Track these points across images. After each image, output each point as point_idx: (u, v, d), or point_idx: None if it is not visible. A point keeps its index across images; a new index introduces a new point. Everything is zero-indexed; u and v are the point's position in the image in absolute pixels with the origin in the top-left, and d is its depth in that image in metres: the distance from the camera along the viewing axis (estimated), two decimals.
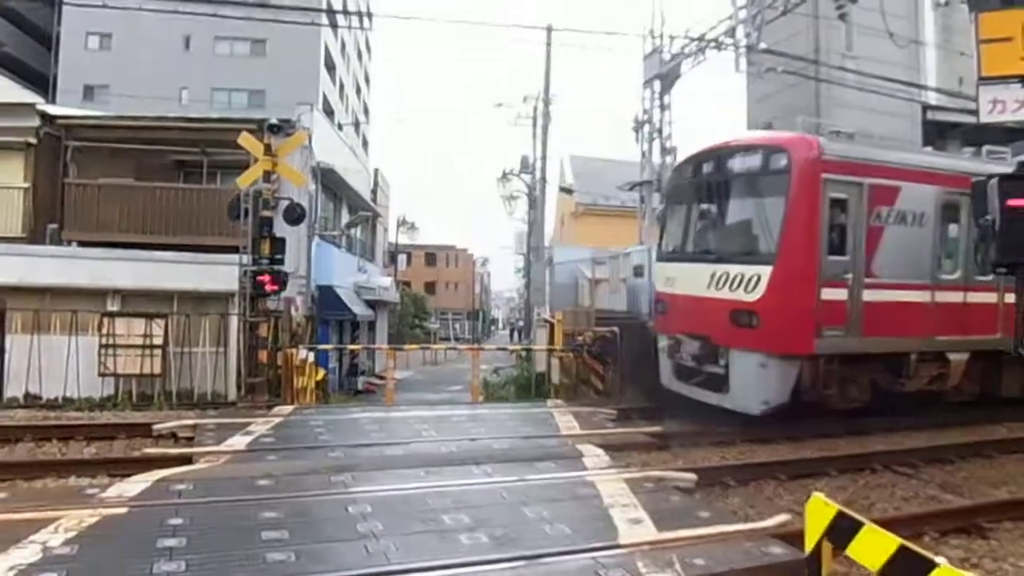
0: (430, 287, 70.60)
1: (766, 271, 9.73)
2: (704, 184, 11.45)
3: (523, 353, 19.51)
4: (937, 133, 20.37)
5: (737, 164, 10.75)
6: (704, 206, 11.62)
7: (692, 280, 11.06)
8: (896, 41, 14.83)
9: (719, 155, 11.13)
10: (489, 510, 5.80)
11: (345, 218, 23.55)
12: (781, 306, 9.67)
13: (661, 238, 12.55)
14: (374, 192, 30.44)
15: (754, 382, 9.96)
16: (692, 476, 7.04)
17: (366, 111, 60.87)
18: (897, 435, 10.68)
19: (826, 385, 10.22)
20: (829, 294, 9.76)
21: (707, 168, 11.33)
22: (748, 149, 10.77)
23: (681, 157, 14.38)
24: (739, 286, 10.02)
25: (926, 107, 20.85)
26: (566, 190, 31.84)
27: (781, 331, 9.73)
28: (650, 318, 14.58)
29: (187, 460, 7.88)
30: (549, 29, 20.26)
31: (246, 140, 13.09)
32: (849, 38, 19.81)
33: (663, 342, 11.85)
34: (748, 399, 10.06)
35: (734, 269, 10.17)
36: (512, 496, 6.21)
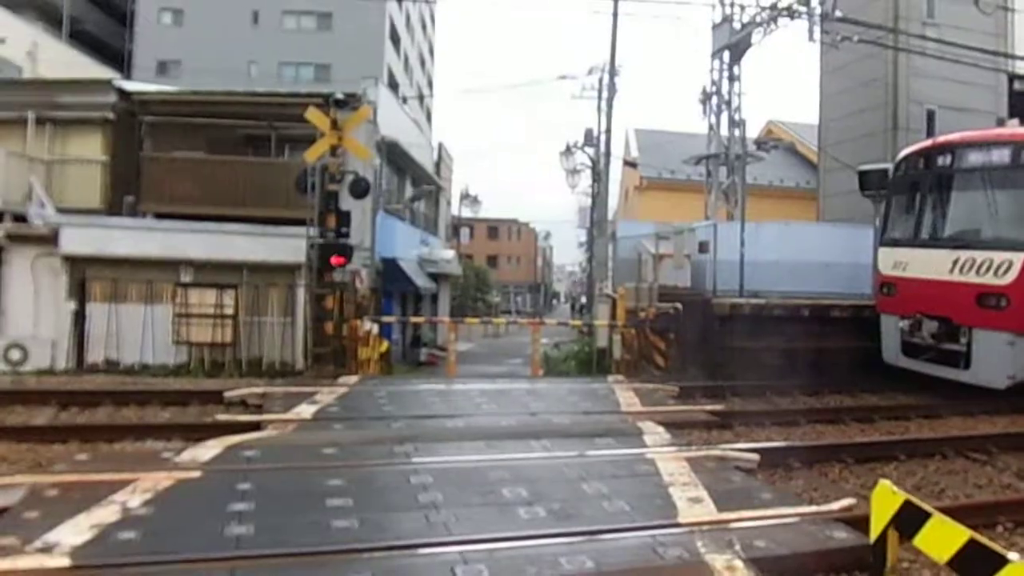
0: (492, 260, 70.83)
1: (1018, 257, 10.33)
2: (940, 176, 12.01)
3: (584, 328, 19.47)
4: None
5: (981, 158, 11.32)
6: (941, 196, 12.14)
7: (929, 265, 11.72)
8: (982, 7, 14.08)
9: (955, 149, 11.70)
10: (548, 484, 5.82)
11: (409, 191, 23.78)
12: None
13: (884, 225, 13.17)
14: (437, 165, 30.65)
15: (1001, 359, 10.58)
16: (754, 456, 6.91)
17: (430, 84, 61.07)
18: (972, 420, 10.36)
19: None
20: None
21: (942, 161, 11.89)
22: (994, 144, 11.30)
23: (753, 129, 14.04)
24: (987, 271, 10.66)
25: (1013, 76, 19.78)
26: (630, 163, 31.38)
27: None
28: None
29: (256, 427, 8.12)
30: None
31: (313, 115, 13.31)
32: (930, 4, 18.89)
33: (895, 322, 12.41)
34: (993, 374, 10.71)
35: (981, 255, 10.80)
36: (571, 471, 6.22)
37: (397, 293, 21.10)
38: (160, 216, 15.77)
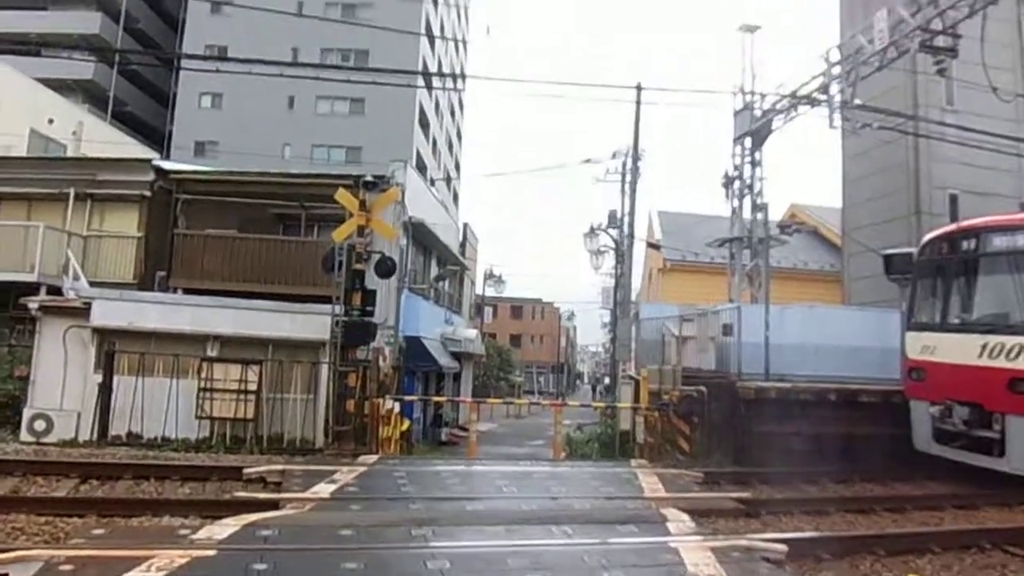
0: (515, 340, 70.80)
1: None
2: (966, 260, 12.05)
3: (607, 410, 19.25)
4: None
5: (1006, 242, 11.36)
6: (967, 280, 12.19)
7: (958, 349, 11.60)
8: (1000, 95, 14.24)
9: (980, 233, 11.77)
10: (568, 573, 5.68)
11: (434, 270, 24.04)
12: None
13: (911, 309, 13.12)
14: (463, 246, 31.05)
15: None
16: (783, 547, 6.70)
17: (457, 167, 62.46)
18: (1010, 511, 9.99)
19: None
20: None
21: (967, 245, 11.94)
22: (1019, 228, 11.34)
23: (776, 211, 14.08)
24: (1018, 355, 10.56)
25: None
26: (654, 246, 31.57)
27: None
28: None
29: (274, 505, 8.04)
30: (639, 88, 20.40)
31: (343, 196, 13.66)
32: (949, 92, 19.17)
33: (925, 408, 12.18)
34: None
35: (1011, 340, 10.71)
36: (592, 560, 6.06)
37: (420, 371, 21.09)
38: (190, 291, 16.05)
